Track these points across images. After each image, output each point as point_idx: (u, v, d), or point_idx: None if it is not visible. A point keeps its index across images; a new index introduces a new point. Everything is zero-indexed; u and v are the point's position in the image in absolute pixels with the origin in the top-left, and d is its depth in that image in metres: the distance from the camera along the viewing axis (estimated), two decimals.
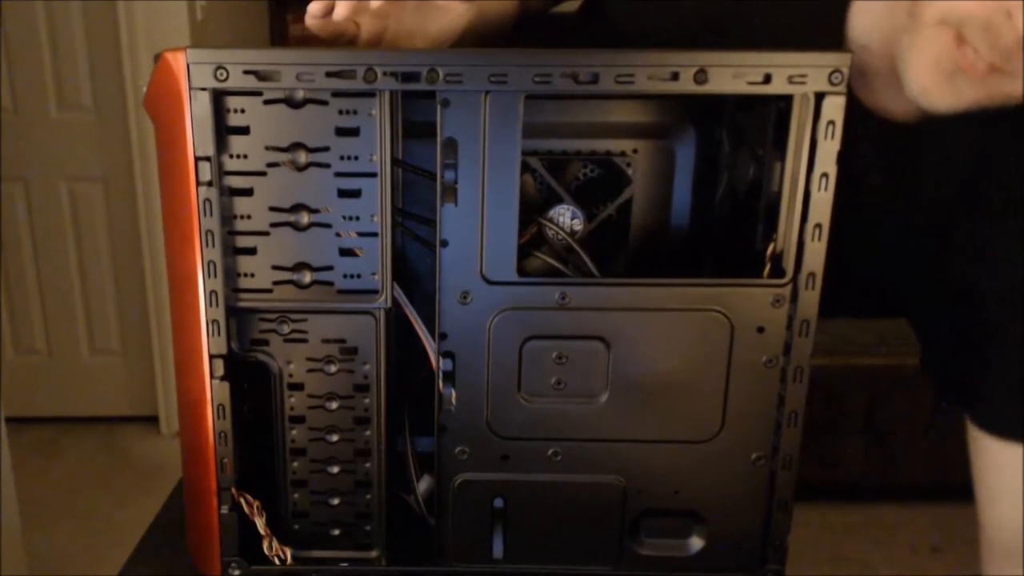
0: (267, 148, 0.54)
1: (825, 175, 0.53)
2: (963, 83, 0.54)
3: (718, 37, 0.66)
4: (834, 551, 1.94)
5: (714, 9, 0.69)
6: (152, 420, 2.45)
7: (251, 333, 0.58)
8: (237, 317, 0.57)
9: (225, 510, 0.59)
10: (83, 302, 2.40)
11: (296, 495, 0.61)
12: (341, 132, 0.54)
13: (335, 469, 0.61)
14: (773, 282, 0.56)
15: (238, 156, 0.55)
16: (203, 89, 0.52)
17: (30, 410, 2.40)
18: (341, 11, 0.60)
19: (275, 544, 0.60)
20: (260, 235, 0.56)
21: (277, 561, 0.61)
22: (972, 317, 0.67)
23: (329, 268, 0.56)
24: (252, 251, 0.56)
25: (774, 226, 0.56)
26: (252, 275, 0.56)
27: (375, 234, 0.56)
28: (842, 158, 0.52)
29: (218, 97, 0.53)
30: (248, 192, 0.55)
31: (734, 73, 0.51)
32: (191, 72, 0.52)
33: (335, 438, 0.60)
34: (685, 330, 0.57)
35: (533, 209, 0.64)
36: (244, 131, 0.54)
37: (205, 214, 0.54)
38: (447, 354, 0.57)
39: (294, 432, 0.60)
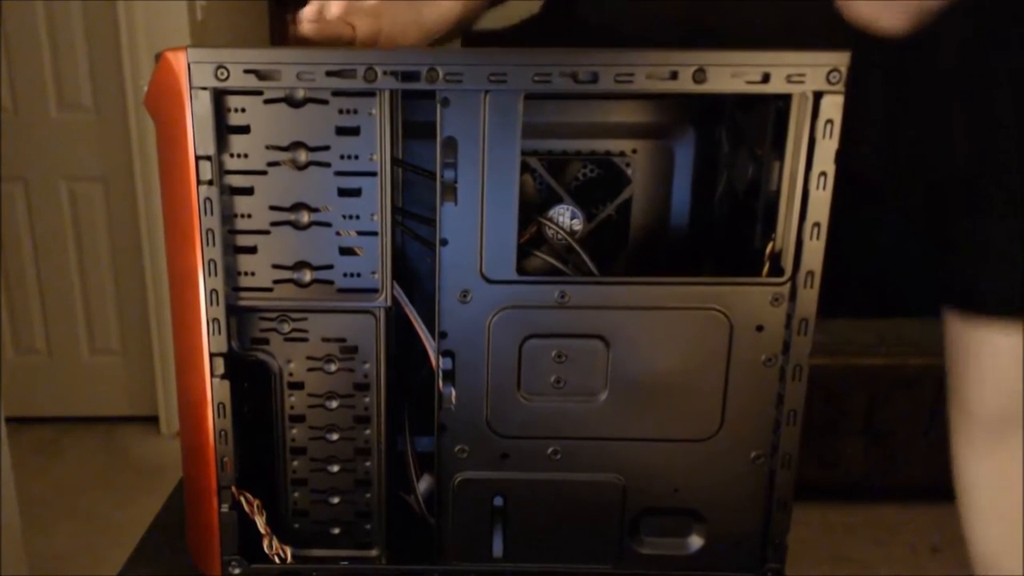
0: (267, 147, 0.54)
1: (823, 174, 0.53)
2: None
3: (691, 34, 0.66)
4: (834, 551, 1.94)
5: (688, 6, 0.69)
6: (152, 420, 2.45)
7: (251, 332, 0.58)
8: (237, 316, 0.57)
9: (225, 509, 0.59)
10: (83, 302, 2.41)
11: (296, 494, 0.62)
12: (341, 131, 0.54)
13: (335, 468, 0.61)
14: (772, 281, 0.56)
15: (239, 155, 0.55)
16: (204, 88, 0.52)
17: (30, 410, 2.40)
18: (334, 10, 0.60)
19: (275, 543, 0.60)
20: (260, 234, 0.56)
21: (277, 560, 0.61)
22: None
23: (329, 267, 0.57)
24: (252, 250, 0.56)
25: (773, 225, 0.56)
26: (252, 274, 0.57)
27: (375, 233, 0.56)
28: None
29: (219, 96, 0.53)
30: (249, 191, 0.55)
31: (733, 72, 0.51)
32: (192, 71, 0.52)
33: (335, 437, 0.60)
34: (684, 329, 0.57)
35: (533, 209, 0.64)
36: (245, 130, 0.54)
37: (206, 213, 0.54)
38: (447, 353, 0.57)
39: (294, 431, 0.60)
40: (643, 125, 0.67)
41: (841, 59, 0.51)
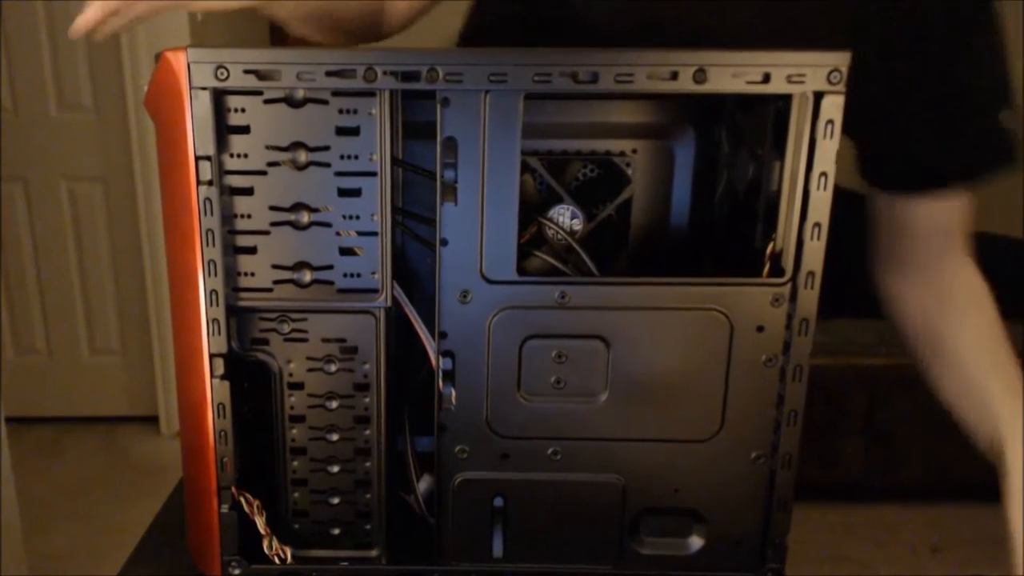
0: (267, 147, 0.54)
1: (824, 174, 0.53)
2: None
3: (678, 32, 0.66)
4: (834, 551, 1.94)
5: (675, 5, 0.68)
6: (152, 420, 2.46)
7: (251, 332, 0.58)
8: (237, 316, 0.57)
9: (225, 509, 0.59)
10: (83, 302, 2.41)
11: (296, 494, 0.62)
12: (341, 131, 0.54)
13: (335, 468, 0.61)
14: (772, 281, 0.56)
15: (238, 155, 0.55)
16: (204, 88, 0.52)
17: (30, 410, 2.40)
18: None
19: (275, 543, 0.60)
20: (260, 234, 0.56)
21: (277, 560, 0.61)
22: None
23: (329, 267, 0.56)
24: (252, 250, 0.56)
25: (773, 225, 0.56)
26: (252, 274, 0.56)
27: (375, 233, 0.56)
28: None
29: (219, 96, 0.53)
30: (248, 191, 0.55)
31: (733, 73, 0.51)
32: (192, 71, 0.52)
33: (335, 437, 0.60)
34: (684, 329, 0.57)
35: (533, 209, 0.64)
36: (244, 130, 0.54)
37: (205, 213, 0.54)
38: (447, 353, 0.57)
39: (294, 431, 0.60)
40: (643, 125, 0.67)
41: (842, 59, 0.51)
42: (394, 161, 0.56)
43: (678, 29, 0.67)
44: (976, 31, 0.68)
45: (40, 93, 2.24)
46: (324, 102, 0.54)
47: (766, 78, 0.51)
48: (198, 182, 0.54)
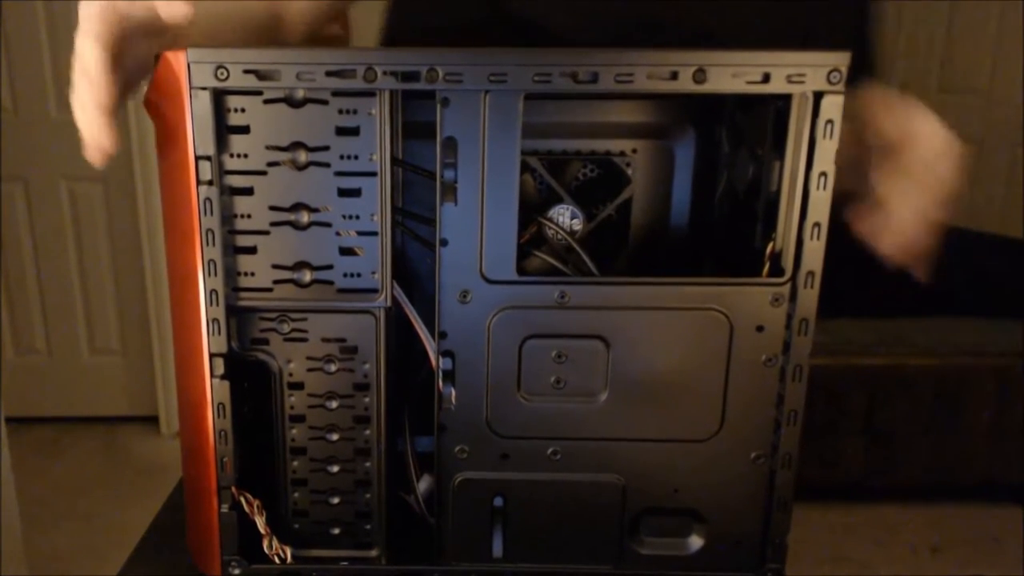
0: (267, 147, 0.54)
1: (824, 174, 0.53)
2: None
3: (630, 30, 0.66)
4: (834, 551, 1.95)
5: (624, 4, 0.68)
6: (152, 420, 2.46)
7: (251, 332, 0.58)
8: (237, 316, 0.57)
9: (225, 509, 0.59)
10: (83, 302, 2.41)
11: (296, 494, 0.62)
12: (341, 131, 0.54)
13: (335, 468, 0.61)
14: (772, 281, 0.56)
15: (238, 155, 0.55)
16: (203, 88, 0.52)
17: (30, 410, 2.40)
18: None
19: (275, 543, 0.60)
20: (260, 234, 0.56)
21: (277, 560, 0.61)
22: None
23: (329, 267, 0.56)
24: (252, 250, 0.56)
25: (773, 225, 0.56)
26: (252, 274, 0.57)
27: (375, 233, 0.56)
28: None
29: (218, 96, 0.53)
30: (248, 191, 0.55)
31: (733, 72, 0.51)
32: (191, 71, 0.52)
33: (335, 437, 0.60)
34: (684, 329, 0.57)
35: (533, 209, 0.64)
36: (244, 130, 0.54)
37: (205, 213, 0.54)
38: (447, 353, 0.57)
39: (294, 431, 0.60)
40: (643, 125, 0.67)
41: (842, 59, 0.51)
42: (394, 161, 0.56)
43: (615, 24, 0.67)
44: None
45: (40, 93, 2.24)
46: (324, 102, 0.54)
47: (766, 78, 0.51)
48: (198, 182, 0.54)
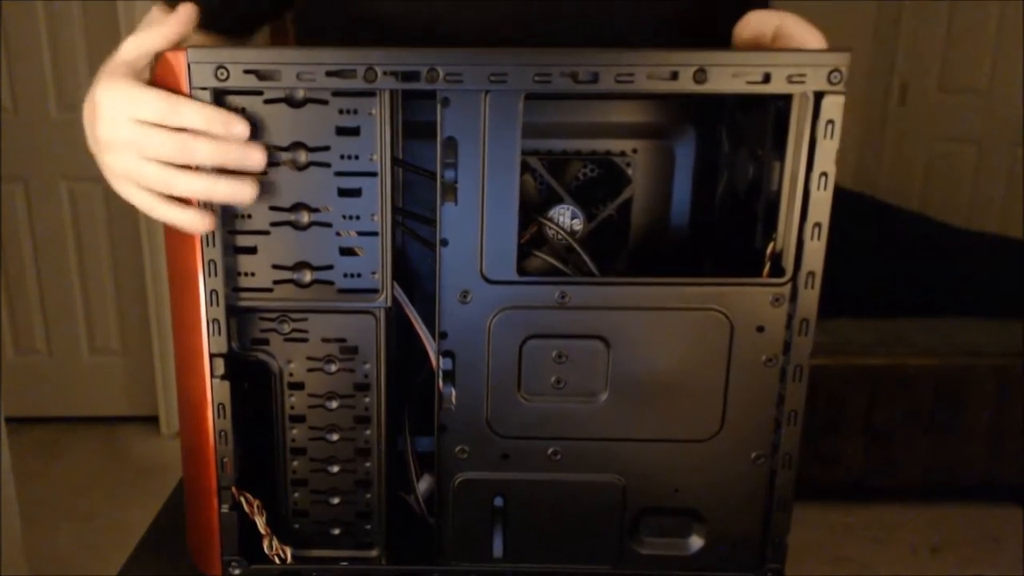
0: (268, 147, 0.54)
1: (824, 174, 0.53)
2: None
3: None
4: (834, 551, 1.94)
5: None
6: (152, 420, 2.46)
7: (252, 332, 0.58)
8: (238, 316, 0.57)
9: (225, 509, 0.59)
10: (83, 302, 2.41)
11: (296, 494, 0.62)
12: (341, 131, 0.54)
13: (335, 468, 0.61)
14: (772, 281, 0.56)
15: None
16: (204, 88, 0.52)
17: (30, 410, 2.40)
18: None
19: (275, 543, 0.60)
20: (261, 234, 0.56)
21: (277, 560, 0.61)
22: None
23: (329, 267, 0.56)
24: (252, 250, 0.56)
25: (774, 225, 0.56)
26: (252, 274, 0.56)
27: (375, 233, 0.56)
28: None
29: (219, 96, 0.53)
30: None
31: (734, 72, 0.51)
32: (192, 72, 0.52)
33: (335, 437, 0.60)
34: (685, 329, 0.57)
35: (533, 209, 0.64)
36: None
37: None
38: (447, 353, 0.57)
39: (294, 431, 0.60)
40: (644, 125, 0.67)
41: (842, 60, 0.51)
42: (394, 161, 0.56)
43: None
44: None
45: (40, 93, 2.24)
46: (324, 102, 0.54)
47: (766, 78, 0.51)
48: None
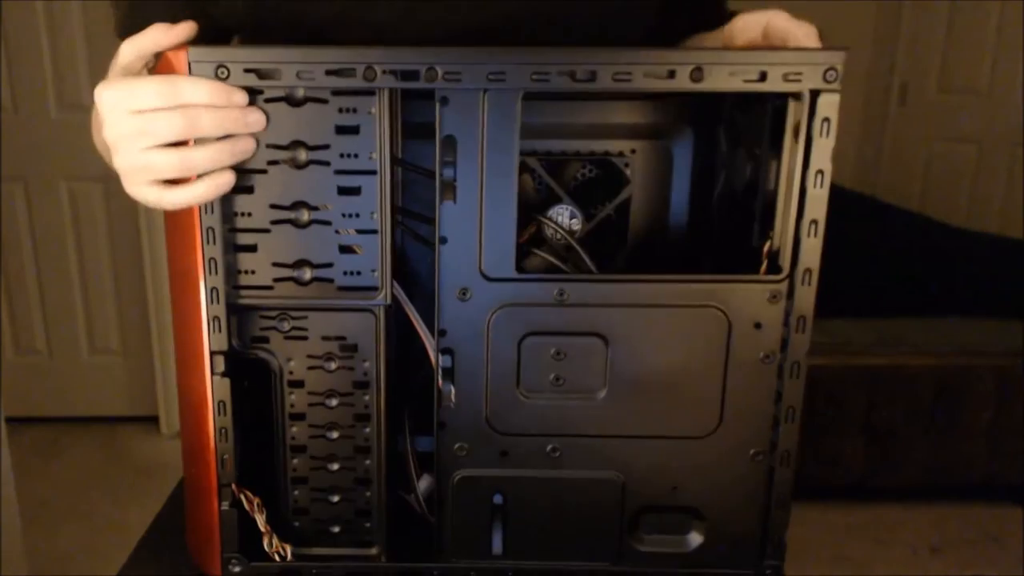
0: (268, 146, 0.55)
1: (821, 172, 0.53)
2: None
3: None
4: (834, 551, 1.94)
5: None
6: (152, 420, 2.45)
7: (252, 331, 0.58)
8: (238, 315, 0.57)
9: (226, 506, 0.59)
10: (83, 302, 2.41)
11: (296, 492, 0.62)
12: (341, 130, 0.55)
13: (335, 466, 0.61)
14: (769, 278, 0.56)
15: None
16: None
17: (30, 410, 2.40)
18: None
19: (275, 541, 0.60)
20: (261, 232, 0.56)
21: (277, 558, 0.61)
22: None
23: (329, 265, 0.57)
24: (253, 248, 0.56)
25: (771, 224, 0.56)
26: (253, 272, 0.57)
27: (375, 231, 0.56)
28: None
29: None
30: (249, 190, 0.55)
31: (730, 71, 0.51)
32: (192, 70, 0.52)
33: (335, 435, 0.60)
34: (682, 326, 0.57)
35: (533, 209, 0.65)
36: None
37: (206, 212, 0.54)
38: (446, 350, 0.57)
39: (294, 429, 0.60)
40: (641, 126, 0.67)
41: (838, 58, 0.51)
42: (394, 160, 0.56)
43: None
44: None
45: (40, 93, 2.24)
46: (324, 101, 0.54)
47: (763, 76, 0.52)
48: None
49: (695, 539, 0.61)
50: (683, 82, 0.52)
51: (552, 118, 0.66)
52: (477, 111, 0.53)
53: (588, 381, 0.58)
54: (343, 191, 0.55)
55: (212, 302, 0.56)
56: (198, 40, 0.54)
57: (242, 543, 0.61)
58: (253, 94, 0.53)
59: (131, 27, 0.56)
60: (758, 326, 0.57)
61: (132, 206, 2.29)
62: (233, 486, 0.59)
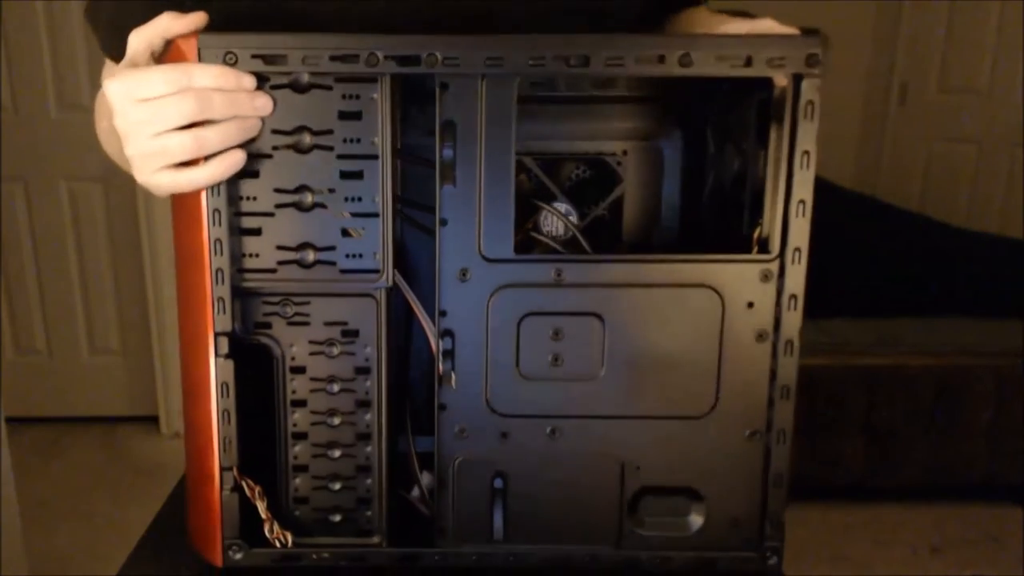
0: (273, 131, 0.55)
1: (807, 152, 0.54)
2: None
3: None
4: (834, 551, 1.94)
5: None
6: (152, 420, 2.45)
7: (255, 316, 0.59)
8: (242, 299, 0.58)
9: (227, 491, 0.60)
10: (83, 302, 2.41)
11: (297, 480, 0.62)
12: (344, 116, 0.55)
13: (336, 453, 0.61)
14: (761, 257, 0.57)
15: None
16: None
17: (30, 410, 2.40)
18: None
19: (276, 527, 0.60)
20: (265, 216, 0.57)
21: (278, 544, 0.61)
22: None
23: (332, 248, 0.57)
24: (258, 232, 0.57)
25: (760, 212, 0.57)
26: (257, 255, 0.57)
27: (376, 215, 0.57)
28: None
29: None
30: (254, 174, 0.56)
31: (717, 56, 0.53)
32: (202, 57, 0.53)
33: (337, 421, 0.61)
34: (677, 306, 0.58)
35: (529, 208, 0.66)
36: None
37: (213, 194, 0.55)
38: (447, 332, 0.58)
39: (296, 416, 0.61)
40: (633, 128, 0.69)
41: (817, 44, 0.53)
42: (394, 148, 0.57)
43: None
44: None
45: (40, 93, 2.24)
46: (328, 88, 0.55)
47: (748, 61, 0.53)
48: None
49: (696, 521, 0.62)
50: (672, 67, 0.53)
51: (549, 122, 0.68)
52: (476, 96, 0.54)
53: (586, 361, 0.59)
54: (345, 175, 0.56)
55: (217, 283, 0.56)
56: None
57: (243, 530, 0.61)
58: (260, 81, 0.54)
59: (112, 20, 0.56)
60: (751, 305, 0.57)
61: (132, 206, 2.29)
62: (235, 471, 0.59)
